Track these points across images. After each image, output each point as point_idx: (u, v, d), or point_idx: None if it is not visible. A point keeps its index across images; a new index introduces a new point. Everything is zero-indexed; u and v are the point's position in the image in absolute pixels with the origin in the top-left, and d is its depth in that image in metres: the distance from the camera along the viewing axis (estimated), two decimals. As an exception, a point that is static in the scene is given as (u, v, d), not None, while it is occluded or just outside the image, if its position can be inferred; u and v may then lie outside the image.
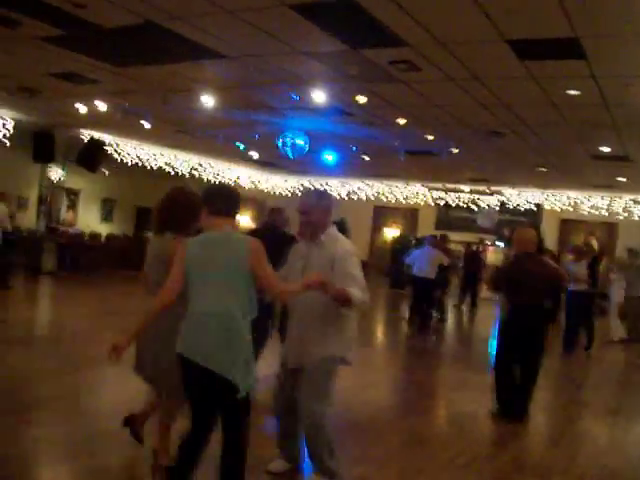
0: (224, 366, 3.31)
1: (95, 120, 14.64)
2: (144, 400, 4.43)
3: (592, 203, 19.96)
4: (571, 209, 20.37)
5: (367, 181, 22.69)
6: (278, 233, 6.70)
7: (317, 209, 4.28)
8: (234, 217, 3.65)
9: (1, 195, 13.19)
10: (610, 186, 17.88)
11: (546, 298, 6.73)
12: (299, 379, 4.24)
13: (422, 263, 12.49)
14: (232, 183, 22.98)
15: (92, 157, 16.85)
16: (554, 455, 5.68)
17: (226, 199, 3.64)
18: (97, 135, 17.00)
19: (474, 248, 19.18)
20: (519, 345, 6.48)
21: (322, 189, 5.00)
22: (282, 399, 4.36)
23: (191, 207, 4.17)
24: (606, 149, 12.49)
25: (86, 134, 16.94)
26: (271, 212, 7.17)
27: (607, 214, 19.79)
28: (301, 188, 24.13)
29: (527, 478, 4.94)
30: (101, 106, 12.51)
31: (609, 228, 20.21)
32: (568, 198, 20.32)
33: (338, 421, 4.53)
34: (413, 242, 19.78)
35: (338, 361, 4.27)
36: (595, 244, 16.68)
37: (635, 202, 19.32)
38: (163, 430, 4.21)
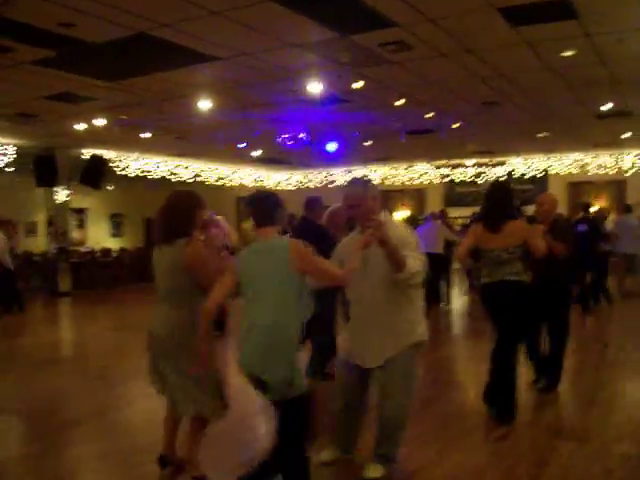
0: (272, 373, 3.32)
1: (95, 137, 14.68)
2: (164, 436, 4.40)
3: (599, 163, 19.84)
4: (578, 171, 20.25)
5: (371, 166, 22.62)
6: (313, 228, 6.54)
7: (366, 199, 4.15)
8: (279, 223, 3.61)
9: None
10: (615, 144, 17.76)
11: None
12: (371, 374, 4.25)
13: (430, 239, 12.49)
14: (236, 185, 23.04)
15: (95, 174, 16.89)
16: (590, 418, 5.67)
17: (268, 207, 3.60)
18: (98, 152, 17.03)
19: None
20: (546, 311, 6.36)
21: (364, 176, 4.75)
22: (345, 393, 4.35)
23: (192, 207, 4.17)
24: (608, 106, 12.39)
25: (87, 152, 16.97)
26: (305, 205, 6.94)
27: (614, 172, 19.67)
28: (304, 181, 24.15)
29: (565, 442, 4.92)
30: (99, 123, 12.52)
31: (618, 186, 20.08)
32: (574, 160, 20.21)
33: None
34: (422, 222, 19.73)
35: (417, 347, 4.24)
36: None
37: (642, 157, 19.19)
38: (193, 441, 4.20)
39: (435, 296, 12.78)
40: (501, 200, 5.61)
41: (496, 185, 6.09)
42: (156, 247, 4.26)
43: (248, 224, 10.99)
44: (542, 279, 6.13)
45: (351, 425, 4.43)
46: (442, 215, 14.29)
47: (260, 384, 3.35)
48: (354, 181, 4.44)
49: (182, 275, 4.02)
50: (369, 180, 4.56)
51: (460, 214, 19.77)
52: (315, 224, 6.70)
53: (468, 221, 16.04)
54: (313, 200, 7.00)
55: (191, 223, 4.14)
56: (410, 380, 4.26)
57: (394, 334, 4.14)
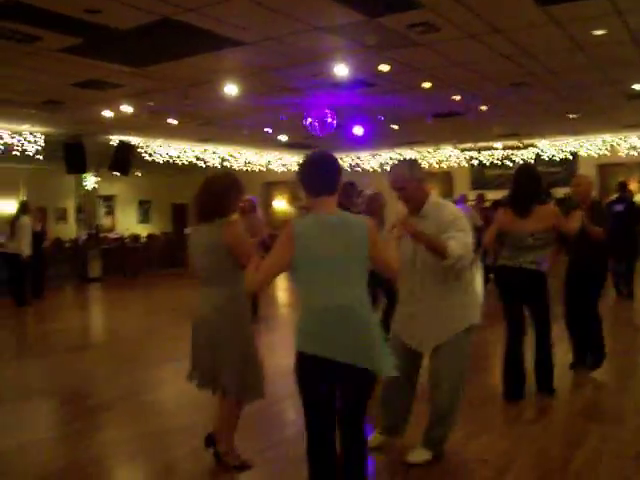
0: (366, 355, 3.09)
1: (122, 124, 14.77)
2: (215, 416, 4.33)
3: (629, 144, 19.51)
4: (608, 153, 19.94)
5: (398, 150, 22.48)
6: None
7: (412, 181, 4.05)
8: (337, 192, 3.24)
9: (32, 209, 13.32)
10: (646, 125, 17.46)
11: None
12: (422, 357, 4.27)
13: None
14: (263, 169, 23.01)
15: (123, 160, 17.04)
16: (623, 400, 5.63)
17: (333, 172, 3.24)
18: (125, 138, 17.15)
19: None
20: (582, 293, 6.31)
21: (410, 158, 4.60)
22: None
23: (229, 188, 4.14)
24: (638, 86, 12.17)
25: (115, 139, 17.11)
26: (340, 190, 6.89)
27: (645, 153, 19.33)
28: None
29: (598, 425, 4.89)
30: (126, 109, 12.59)
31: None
32: (604, 142, 19.89)
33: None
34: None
35: (470, 331, 4.19)
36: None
37: (674, 137, 18.83)
38: (230, 428, 4.21)
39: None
40: (529, 184, 5.56)
41: (523, 169, 5.94)
42: (192, 228, 4.27)
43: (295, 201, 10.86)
44: (579, 263, 6.16)
45: (399, 408, 4.40)
46: (481, 199, 14.12)
47: (342, 372, 3.08)
48: (399, 164, 4.34)
49: (222, 254, 3.98)
50: (415, 161, 4.46)
51: (488, 197, 19.60)
52: (350, 210, 6.63)
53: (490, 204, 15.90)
54: (349, 185, 6.87)
55: (228, 203, 4.11)
56: (463, 364, 4.22)
57: (448, 319, 4.10)
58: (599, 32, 8.54)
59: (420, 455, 4.20)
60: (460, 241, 3.89)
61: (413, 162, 4.34)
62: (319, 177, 3.19)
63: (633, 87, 12.24)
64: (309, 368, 3.13)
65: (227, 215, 4.07)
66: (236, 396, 4.08)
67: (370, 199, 6.63)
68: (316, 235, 3.09)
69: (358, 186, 6.87)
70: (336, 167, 3.25)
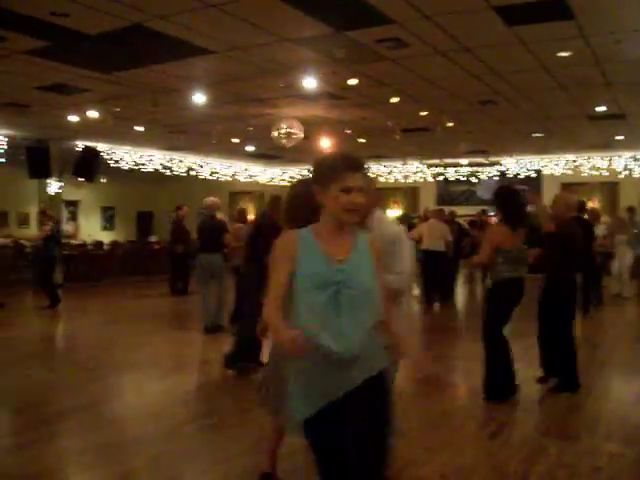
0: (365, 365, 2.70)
1: (88, 129, 14.62)
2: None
3: (592, 164, 19.89)
4: (571, 172, 20.30)
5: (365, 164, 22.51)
6: (268, 223, 6.66)
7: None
8: None
9: None
10: (608, 146, 17.81)
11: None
12: None
13: (431, 236, 12.52)
14: (229, 179, 22.95)
15: (88, 166, 16.82)
16: (580, 416, 5.68)
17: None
18: (91, 144, 16.96)
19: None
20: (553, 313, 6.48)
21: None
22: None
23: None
24: (601, 108, 12.43)
25: (80, 144, 16.90)
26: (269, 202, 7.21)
27: (608, 174, 19.72)
28: (298, 176, 24.02)
29: (554, 441, 4.93)
30: (93, 115, 12.47)
31: (610, 188, 20.13)
32: (567, 161, 20.25)
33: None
34: (415, 220, 19.73)
35: None
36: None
37: (635, 159, 19.23)
38: (273, 451, 4.09)
39: (436, 294, 12.84)
40: (518, 201, 6.12)
41: (507, 188, 6.55)
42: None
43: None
44: (551, 283, 6.47)
45: None
46: (452, 215, 14.34)
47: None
48: None
49: None
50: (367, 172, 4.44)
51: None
52: (273, 221, 6.65)
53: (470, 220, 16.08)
54: (276, 198, 7.19)
55: (313, 210, 3.84)
56: None
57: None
58: (564, 54, 8.71)
59: None
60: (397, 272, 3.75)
61: (367, 175, 4.30)
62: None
63: (596, 109, 12.49)
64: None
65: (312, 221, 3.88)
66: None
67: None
68: None
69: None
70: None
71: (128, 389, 6.66)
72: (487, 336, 6.00)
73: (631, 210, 14.49)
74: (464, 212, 19.29)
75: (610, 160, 19.59)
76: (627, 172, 19.39)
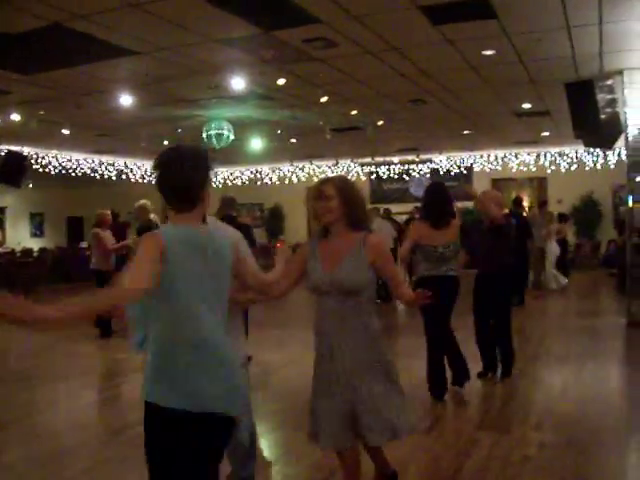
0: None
1: (10, 133, 14.15)
2: None
3: (520, 160, 20.41)
4: (500, 168, 20.77)
5: (297, 163, 22.58)
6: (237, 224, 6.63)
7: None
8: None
9: None
10: (535, 142, 18.29)
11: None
12: None
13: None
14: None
15: (14, 172, 16.24)
16: (511, 408, 5.80)
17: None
18: (15, 148, 16.41)
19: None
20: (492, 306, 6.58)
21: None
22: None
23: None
24: (527, 105, 12.73)
25: (3, 148, 16.34)
26: (225, 203, 7.17)
27: (535, 169, 20.26)
28: (231, 178, 23.85)
29: (487, 433, 5.01)
30: (15, 117, 12.08)
31: (539, 183, 20.68)
32: (496, 158, 20.73)
33: (297, 401, 4.48)
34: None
35: None
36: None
37: (560, 155, 19.83)
38: None
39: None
40: (444, 199, 6.01)
41: (436, 185, 6.44)
42: None
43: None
44: (486, 277, 6.55)
45: None
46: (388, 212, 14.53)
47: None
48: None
49: None
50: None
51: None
52: (239, 221, 6.89)
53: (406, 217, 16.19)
54: (232, 199, 7.37)
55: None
56: None
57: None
58: (489, 52, 8.87)
59: None
60: None
61: None
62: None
63: (523, 106, 12.78)
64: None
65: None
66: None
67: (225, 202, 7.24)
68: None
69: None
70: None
71: (60, 398, 6.49)
72: (426, 334, 6.02)
73: (543, 205, 15.17)
74: (398, 210, 19.50)
75: (537, 156, 20.15)
76: (554, 167, 19.96)
